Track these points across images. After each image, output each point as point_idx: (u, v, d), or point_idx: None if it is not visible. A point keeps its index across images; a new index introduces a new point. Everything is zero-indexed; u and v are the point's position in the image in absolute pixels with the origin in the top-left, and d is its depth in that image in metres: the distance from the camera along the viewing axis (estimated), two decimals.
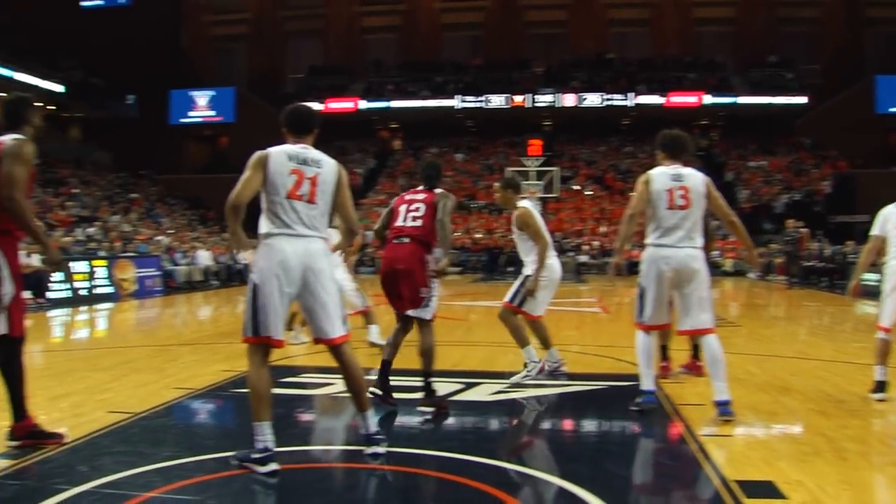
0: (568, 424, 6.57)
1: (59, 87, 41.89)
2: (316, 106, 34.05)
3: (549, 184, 34.75)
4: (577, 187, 41.31)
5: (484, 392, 7.33)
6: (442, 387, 7.34)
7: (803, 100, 44.59)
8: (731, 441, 5.62)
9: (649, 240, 6.38)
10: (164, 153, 47.37)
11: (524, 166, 35.13)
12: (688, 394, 7.16)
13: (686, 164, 6.45)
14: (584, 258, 34.11)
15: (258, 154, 4.97)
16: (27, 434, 5.26)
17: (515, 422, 6.53)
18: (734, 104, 44.96)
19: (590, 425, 6.47)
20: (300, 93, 48.44)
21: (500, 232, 37.17)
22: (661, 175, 6.32)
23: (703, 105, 44.80)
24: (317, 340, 5.12)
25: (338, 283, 5.30)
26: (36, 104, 5.60)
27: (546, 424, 6.62)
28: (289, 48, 54.62)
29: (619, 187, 40.00)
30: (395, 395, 6.72)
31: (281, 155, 4.98)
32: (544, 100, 45.75)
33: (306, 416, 6.56)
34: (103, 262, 20.89)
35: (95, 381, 7.70)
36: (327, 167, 5.09)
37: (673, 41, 49.38)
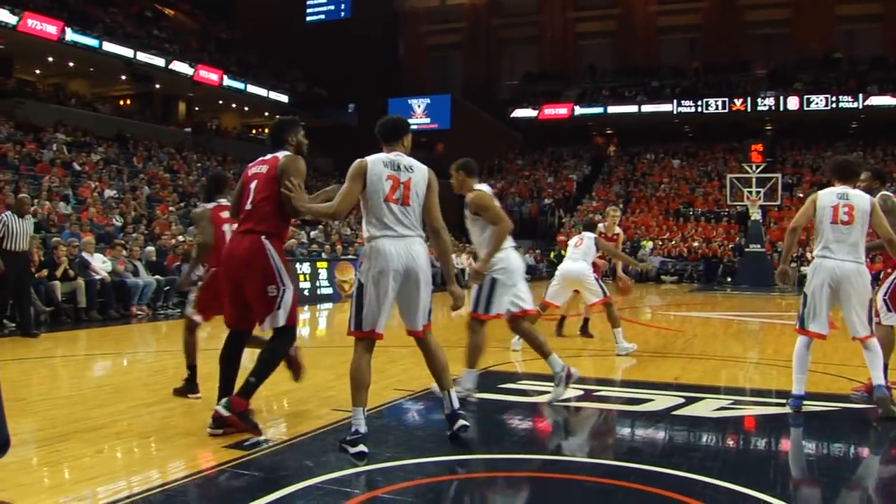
0: (799, 446, 6.24)
1: (284, 98, 43.99)
2: (531, 113, 34.49)
3: (770, 191, 33.58)
4: (802, 195, 39.66)
5: (708, 408, 7.12)
6: (663, 400, 7.30)
7: None
8: None
9: (815, 252, 6.93)
10: None
11: (745, 172, 34.10)
12: None
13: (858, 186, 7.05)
14: (806, 269, 32.76)
15: (356, 163, 5.45)
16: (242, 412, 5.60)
17: (740, 440, 6.26)
18: None
19: (823, 448, 6.15)
20: (515, 99, 49.11)
21: (718, 241, 36.27)
22: (829, 194, 6.80)
23: None
24: (408, 332, 5.60)
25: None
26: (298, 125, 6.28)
27: (774, 444, 6.31)
28: (503, 55, 55.33)
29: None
30: (608, 406, 6.76)
31: (377, 163, 5.44)
32: (766, 103, 44.00)
33: (529, 424, 6.56)
34: (325, 264, 21.66)
35: (320, 379, 7.98)
36: (418, 172, 5.51)
37: None
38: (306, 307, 18.67)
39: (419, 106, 50.31)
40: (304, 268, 20.52)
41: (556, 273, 11.62)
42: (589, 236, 11.61)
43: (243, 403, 5.58)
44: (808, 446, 6.21)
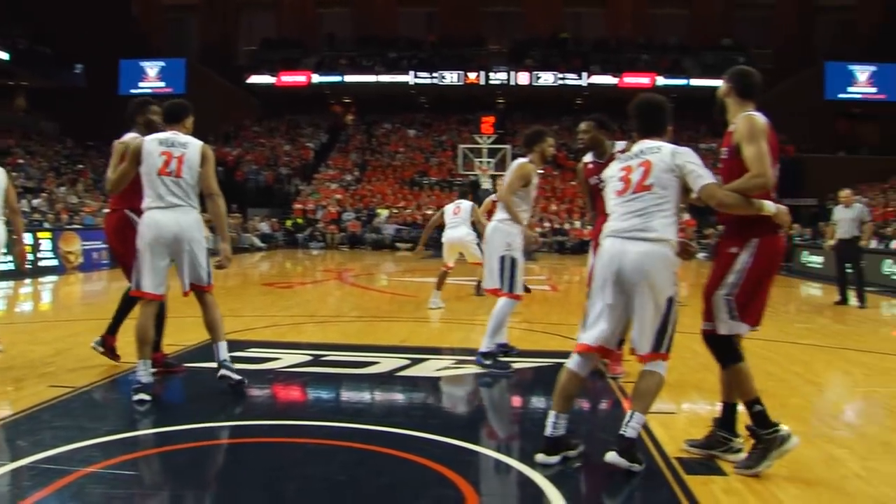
0: (515, 402, 6.57)
1: (3, 55, 40.88)
2: (269, 79, 33.65)
3: (500, 161, 34.73)
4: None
5: (431, 368, 7.33)
6: (389, 362, 7.36)
7: None
8: (674, 419, 5.67)
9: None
10: (112, 124, 46.19)
11: (477, 143, 35.05)
12: (636, 373, 7.19)
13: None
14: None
15: (134, 144, 6.14)
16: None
17: (460, 397, 6.51)
18: (686, 86, 45.19)
19: (536, 402, 6.44)
20: (253, 65, 48.04)
21: None
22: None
23: (655, 86, 44.79)
24: (187, 292, 6.22)
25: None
26: None
27: (492, 400, 6.60)
28: (241, 20, 53.92)
29: (571, 166, 40.10)
30: (337, 370, 6.74)
31: (152, 142, 6.05)
32: (498, 78, 45.63)
33: (256, 391, 6.41)
34: (48, 235, 20.38)
35: (37, 355, 7.55)
36: (192, 147, 6.06)
37: (627, 22, 49.48)
38: (28, 280, 17.40)
39: (152, 69, 48.11)
40: (27, 238, 19.09)
41: (443, 239, 12.75)
42: (466, 204, 12.86)
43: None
44: (520, 400, 6.54)
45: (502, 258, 7.14)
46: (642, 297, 4.51)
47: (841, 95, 44.70)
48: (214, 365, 6.31)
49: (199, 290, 6.11)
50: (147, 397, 5.68)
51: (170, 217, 5.88)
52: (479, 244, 11.84)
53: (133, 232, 6.15)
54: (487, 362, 7.10)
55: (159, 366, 6.66)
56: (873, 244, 20.55)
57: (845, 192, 14.44)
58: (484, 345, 7.15)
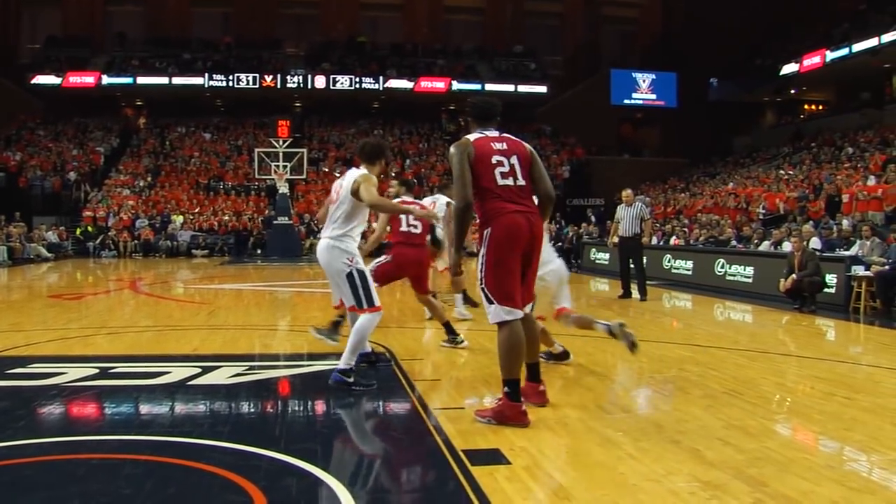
0: (305, 404, 6.55)
1: None
2: (54, 80, 32.20)
3: (297, 165, 34.55)
4: (327, 169, 41.32)
5: (223, 375, 7.23)
6: (180, 371, 7.26)
7: (544, 89, 46.70)
8: (462, 413, 5.84)
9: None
10: None
11: (273, 147, 34.73)
12: (425, 370, 7.39)
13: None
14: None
15: None
16: None
17: (251, 404, 6.44)
18: (480, 91, 46.13)
19: (326, 404, 6.46)
20: (37, 64, 45.67)
21: (248, 214, 36.73)
22: None
23: (451, 90, 45.84)
24: None
25: None
26: None
27: (283, 405, 6.57)
28: (24, 15, 51.18)
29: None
30: (125, 382, 6.63)
31: None
32: (295, 81, 45.25)
33: (36, 408, 6.11)
34: None
35: None
36: None
37: (423, 28, 50.27)
38: None
39: None
40: None
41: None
42: (443, 199, 11.48)
43: None
44: (310, 403, 6.51)
45: (350, 275, 6.63)
46: None
47: (625, 101, 47.15)
48: None
49: None
50: None
51: None
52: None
53: None
54: (349, 380, 6.55)
55: None
56: (654, 241, 21.70)
57: (627, 192, 15.22)
58: (343, 361, 6.61)
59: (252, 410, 6.21)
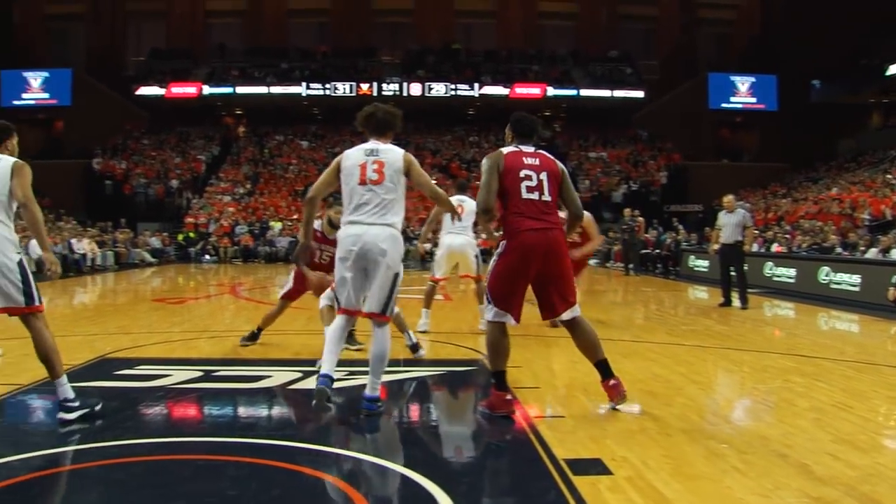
0: (407, 411, 6.58)
1: None
2: (158, 91, 32.98)
3: None
4: None
5: None
6: (281, 375, 7.36)
7: (640, 94, 46.23)
8: (562, 422, 5.79)
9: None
10: None
11: None
12: (524, 377, 7.36)
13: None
14: (427, 246, 34.22)
15: None
16: None
17: (351, 409, 6.41)
18: (576, 96, 46.10)
19: (428, 411, 6.52)
20: (142, 76, 47.09)
21: None
22: (356, 151, 6.17)
23: (546, 96, 45.73)
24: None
25: None
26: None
27: (386, 411, 6.60)
28: (129, 29, 52.85)
29: (463, 176, 40.44)
30: (228, 385, 6.84)
31: None
32: (391, 88, 45.64)
33: (143, 409, 6.25)
34: None
35: None
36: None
37: (517, 34, 50.24)
38: None
39: (36, 80, 46.81)
40: None
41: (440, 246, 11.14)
42: (471, 203, 10.51)
43: None
44: (411, 409, 6.54)
45: (398, 276, 6.01)
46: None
47: (723, 105, 46.32)
48: (103, 384, 6.17)
49: (22, 314, 5.65)
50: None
51: None
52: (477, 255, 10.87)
53: None
54: (381, 406, 6.00)
55: None
56: (755, 248, 21.25)
57: (728, 198, 14.91)
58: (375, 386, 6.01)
59: (351, 415, 6.25)
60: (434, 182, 6.54)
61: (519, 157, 6.06)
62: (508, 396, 5.93)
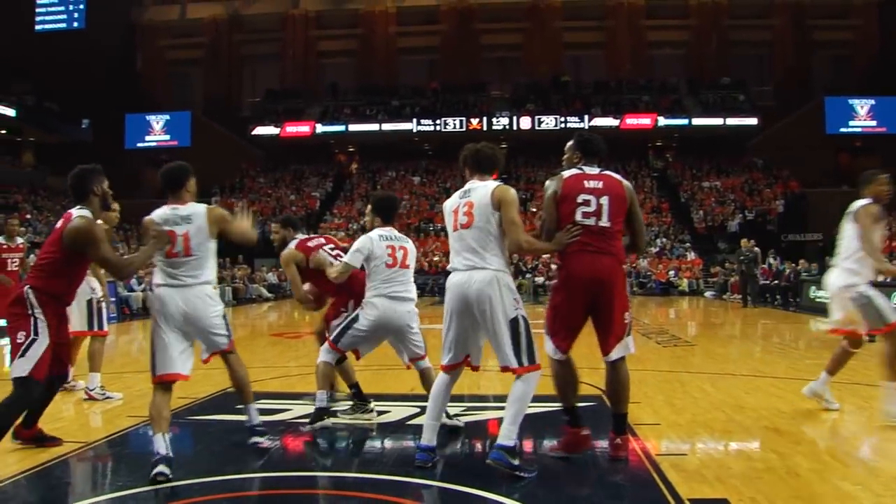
0: (527, 447, 6.48)
1: (10, 111, 41.34)
2: (273, 130, 33.90)
3: None
4: (535, 210, 41.43)
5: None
6: (399, 411, 7.39)
7: (754, 121, 45.30)
8: (685, 460, 5.64)
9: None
10: (119, 178, 46.33)
11: None
12: (644, 414, 7.21)
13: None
14: (540, 279, 34.13)
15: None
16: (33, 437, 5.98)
17: (468, 444, 6.42)
18: (688, 125, 45.48)
19: (544, 447, 6.37)
20: (257, 116, 48.44)
21: None
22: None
23: (657, 126, 45.26)
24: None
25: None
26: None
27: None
28: (245, 72, 54.54)
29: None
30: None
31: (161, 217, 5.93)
32: (501, 122, 45.93)
33: (262, 443, 6.33)
34: None
35: (48, 409, 7.53)
36: (197, 217, 5.84)
37: (627, 64, 49.95)
38: None
39: (157, 122, 48.76)
40: None
41: None
42: None
43: None
44: (529, 446, 6.35)
45: (515, 321, 5.40)
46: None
47: (842, 129, 45.00)
48: (224, 417, 6.27)
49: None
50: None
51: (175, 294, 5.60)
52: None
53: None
54: (515, 461, 5.25)
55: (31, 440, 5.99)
56: (880, 278, 20.47)
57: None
58: (509, 435, 5.35)
59: (468, 451, 6.22)
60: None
61: (580, 181, 5.53)
62: (585, 432, 5.71)
